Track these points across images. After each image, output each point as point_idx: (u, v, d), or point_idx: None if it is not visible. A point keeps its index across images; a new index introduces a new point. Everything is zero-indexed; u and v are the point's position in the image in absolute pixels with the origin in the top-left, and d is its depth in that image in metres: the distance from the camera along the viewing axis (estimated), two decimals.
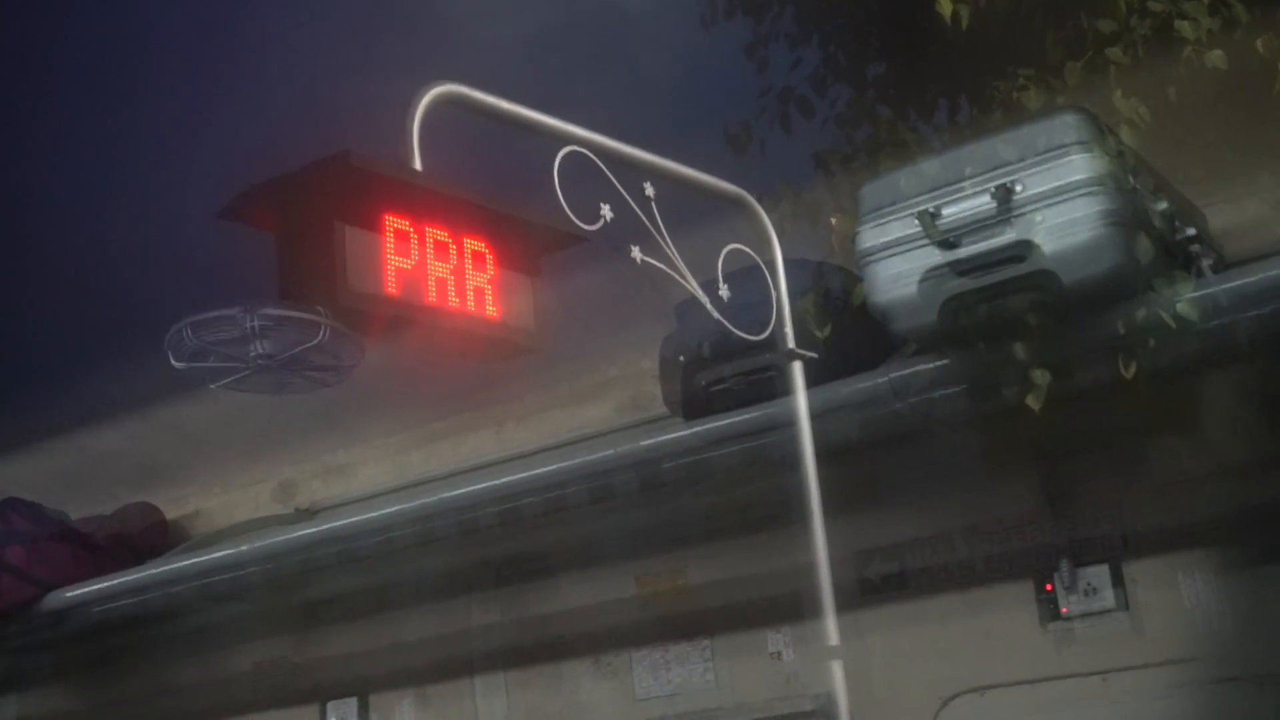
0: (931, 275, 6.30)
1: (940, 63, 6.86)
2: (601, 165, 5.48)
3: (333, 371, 7.88)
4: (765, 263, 6.20)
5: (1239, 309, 6.11)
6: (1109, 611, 7.06)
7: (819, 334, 6.53)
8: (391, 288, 4.91)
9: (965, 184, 6.17)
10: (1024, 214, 6.07)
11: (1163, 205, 6.26)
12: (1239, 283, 6.17)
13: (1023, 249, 6.08)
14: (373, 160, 4.80)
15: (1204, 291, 6.14)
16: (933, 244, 6.26)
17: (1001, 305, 6.17)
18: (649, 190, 5.64)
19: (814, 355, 6.26)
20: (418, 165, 4.90)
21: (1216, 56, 6.18)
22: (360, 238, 4.81)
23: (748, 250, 6.15)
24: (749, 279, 6.20)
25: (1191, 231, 6.36)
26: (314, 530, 9.28)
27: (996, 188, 6.09)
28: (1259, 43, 6.09)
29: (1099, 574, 7.12)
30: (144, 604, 9.80)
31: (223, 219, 4.84)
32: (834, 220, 6.79)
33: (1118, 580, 7.06)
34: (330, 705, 10.03)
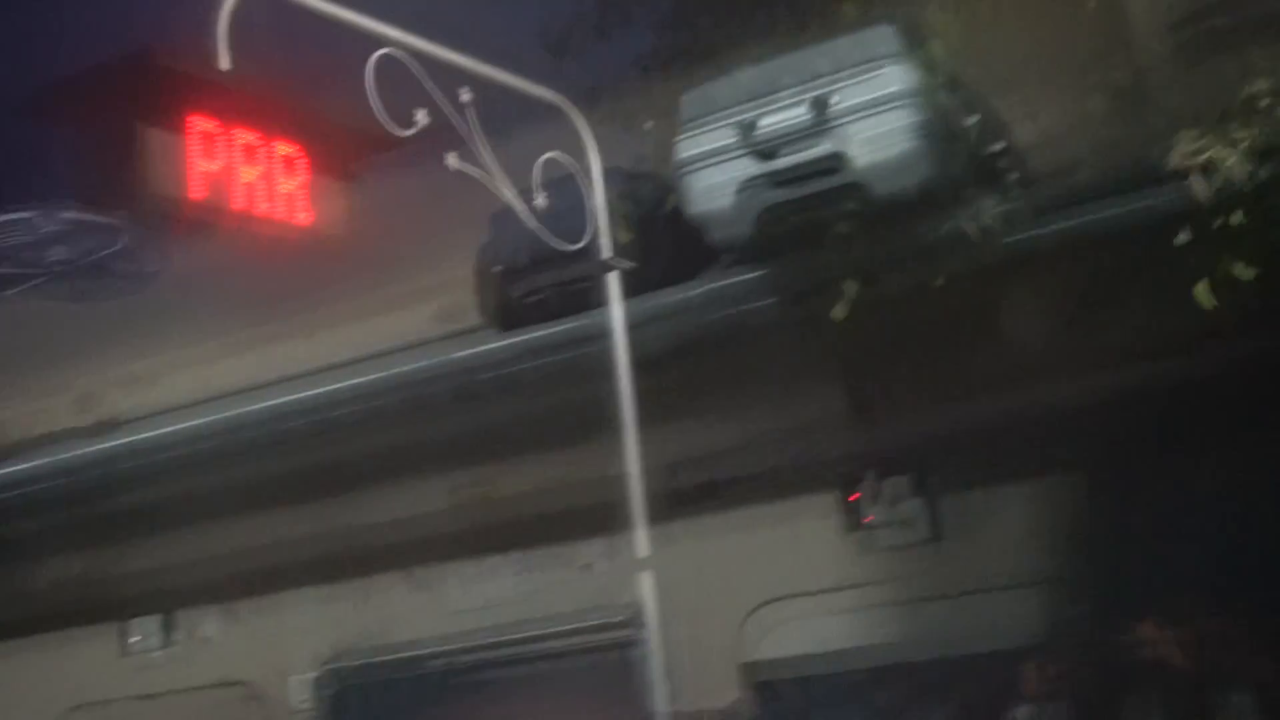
0: (748, 186, 6.35)
1: None
2: (416, 69, 5.37)
3: (134, 279, 7.63)
4: (582, 170, 6.16)
5: (1042, 222, 6.27)
6: (911, 521, 7.25)
7: (624, 239, 6.51)
8: (196, 191, 4.76)
9: (782, 95, 6.21)
10: (839, 126, 6.15)
11: (974, 119, 6.38)
12: (1043, 196, 6.33)
13: (836, 161, 6.16)
14: (177, 58, 4.62)
15: (1009, 206, 6.28)
16: (749, 154, 6.30)
17: (815, 216, 6.24)
18: (465, 96, 5.55)
19: (631, 264, 6.27)
20: (225, 64, 4.73)
21: None
22: (163, 139, 4.66)
23: (565, 158, 6.11)
24: (566, 187, 6.16)
25: (1000, 146, 6.50)
26: (113, 444, 9.03)
27: (813, 99, 6.15)
28: None
29: (901, 484, 7.30)
30: None
31: (19, 115, 4.63)
32: (650, 124, 6.77)
33: (921, 489, 7.25)
34: (133, 623, 9.81)
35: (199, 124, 4.81)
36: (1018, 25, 6.65)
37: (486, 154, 5.58)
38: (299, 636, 9.12)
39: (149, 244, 7.14)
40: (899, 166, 6.09)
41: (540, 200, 5.89)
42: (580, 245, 6.11)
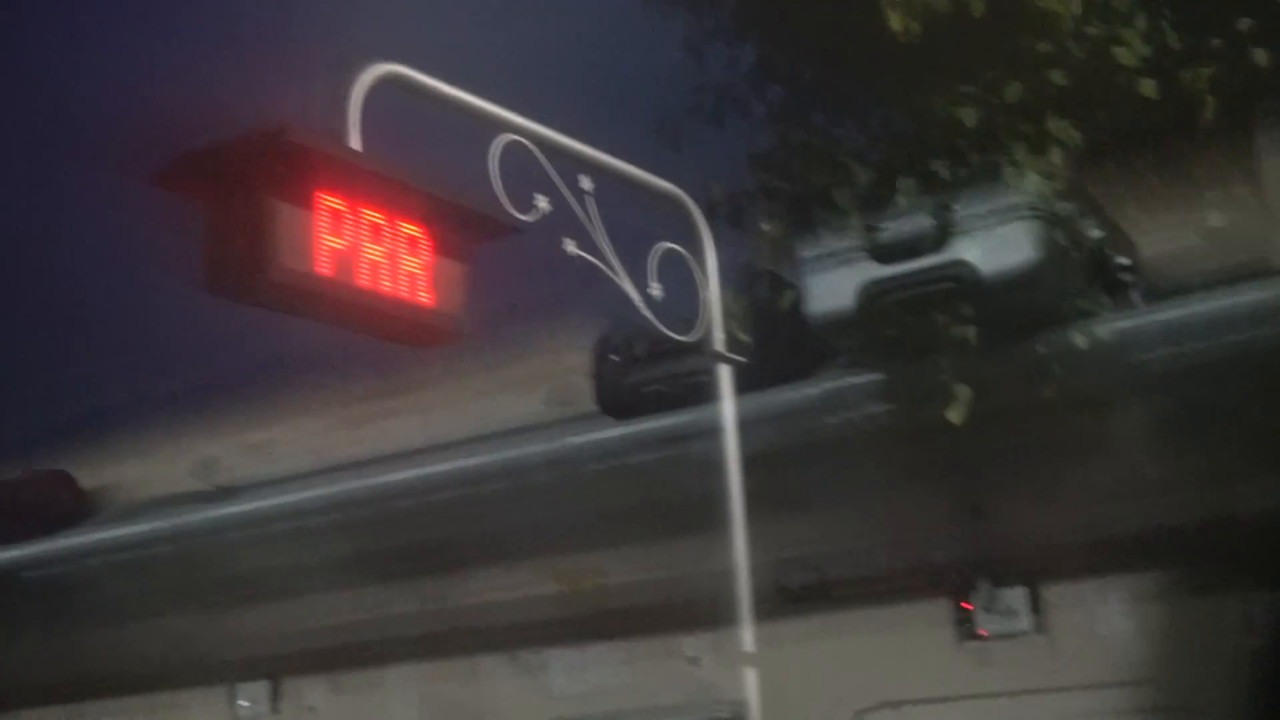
0: (868, 289, 6.33)
1: (877, 72, 6.85)
2: (540, 156, 5.41)
3: None
4: (697, 262, 6.15)
5: (1166, 341, 6.17)
6: (1025, 634, 7.08)
7: (743, 337, 6.51)
8: (324, 267, 4.81)
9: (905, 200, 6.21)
10: (961, 233, 6.12)
11: (1097, 232, 6.31)
12: (1167, 316, 6.23)
13: (958, 268, 6.14)
14: (310, 135, 4.70)
15: (1133, 322, 6.19)
16: (871, 258, 6.31)
17: (934, 322, 6.20)
18: (586, 184, 5.58)
19: (742, 359, 6.23)
20: (356, 144, 4.81)
21: (1148, 86, 6.22)
22: (293, 214, 4.71)
23: (681, 249, 6.10)
24: (681, 278, 6.16)
25: (1125, 260, 6.42)
26: (232, 510, 9.16)
27: (936, 205, 6.13)
28: (1186, 75, 6.13)
29: (1017, 595, 7.14)
30: (50, 574, 9.64)
31: (152, 185, 4.73)
32: (763, 227, 6.76)
33: (1035, 602, 7.08)
34: (240, 688, 9.90)
35: (328, 201, 4.87)
36: (1141, 137, 6.59)
37: (604, 242, 5.59)
38: (402, 712, 9.13)
39: None
40: (1020, 276, 6.05)
41: (655, 290, 5.88)
42: (693, 337, 6.08)
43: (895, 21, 6.18)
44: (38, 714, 10.56)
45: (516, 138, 5.34)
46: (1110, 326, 6.22)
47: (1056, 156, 6.13)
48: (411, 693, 9.13)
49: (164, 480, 10.50)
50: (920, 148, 6.40)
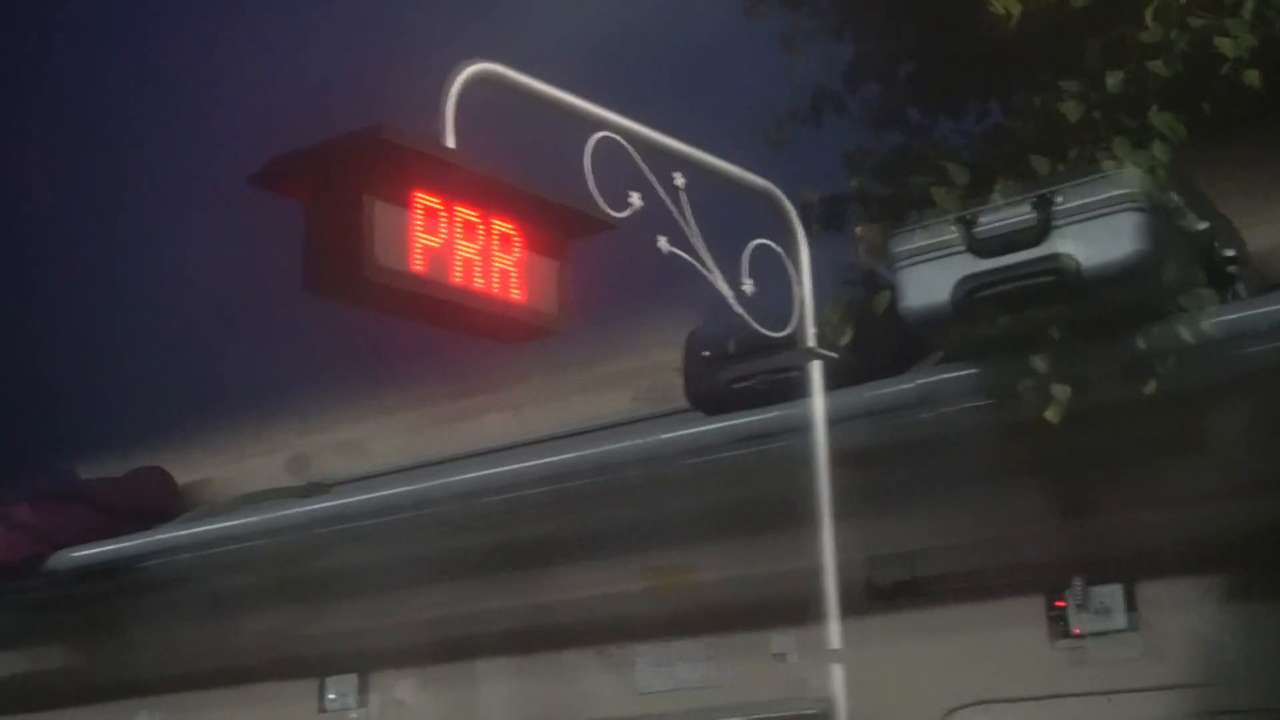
0: (966, 283, 6.28)
1: (974, 66, 6.79)
2: (633, 152, 5.43)
3: None
4: (791, 259, 6.13)
5: (1273, 335, 6.05)
6: (1120, 632, 6.99)
7: (841, 340, 6.49)
8: (419, 265, 4.86)
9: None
10: (1062, 226, 6.05)
11: (1202, 224, 6.21)
12: (1274, 308, 6.11)
13: (1059, 261, 6.06)
14: (406, 134, 4.75)
15: (1239, 314, 6.09)
16: (968, 252, 6.24)
17: (1033, 316, 6.13)
18: (679, 180, 5.58)
19: (834, 355, 6.20)
20: (451, 143, 4.85)
21: (1252, 75, 6.10)
22: (389, 213, 4.77)
23: (774, 246, 6.09)
24: (775, 276, 6.15)
25: (1231, 252, 6.31)
26: (323, 506, 9.25)
27: (1036, 198, 6.07)
28: None
29: (1112, 593, 7.05)
30: (149, 568, 9.79)
31: (253, 185, 4.80)
32: (859, 230, 6.72)
33: (1131, 601, 6.99)
34: (329, 680, 10.00)
35: (423, 199, 4.91)
36: (1245, 128, 6.47)
37: (697, 239, 5.59)
38: (490, 706, 9.18)
39: None
40: (1124, 269, 5.96)
41: (748, 287, 5.88)
42: (785, 334, 6.07)
43: (997, 6, 6.12)
44: (133, 705, 10.72)
45: (610, 134, 5.35)
46: (1216, 320, 6.10)
47: (1159, 150, 6.04)
48: (498, 686, 9.17)
49: (258, 477, 10.64)
50: (1020, 144, 6.33)
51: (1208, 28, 6.12)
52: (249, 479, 10.68)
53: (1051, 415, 6.18)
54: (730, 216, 6.06)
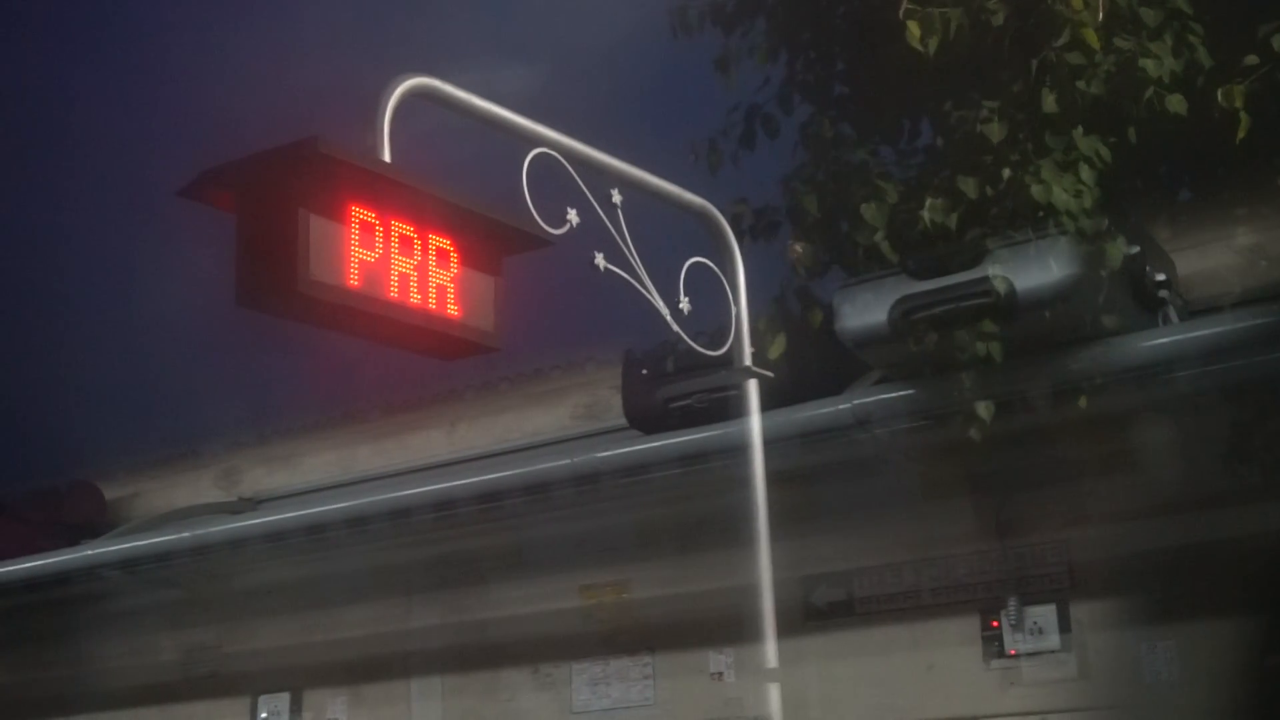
0: (900, 304, 6.31)
1: (905, 87, 6.82)
2: (570, 169, 5.40)
3: None
4: (727, 277, 6.12)
5: (1204, 359, 6.12)
6: (1054, 652, 7.02)
7: (771, 355, 6.49)
8: (354, 280, 4.80)
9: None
10: (994, 250, 6.12)
11: (1132, 249, 6.27)
12: (1204, 333, 6.18)
13: (991, 284, 6.12)
14: (341, 148, 4.68)
15: (1169, 339, 6.16)
16: (904, 274, 6.29)
17: (965, 336, 6.17)
18: (616, 197, 5.56)
19: (769, 375, 6.19)
20: (386, 157, 4.80)
21: (1176, 101, 6.17)
22: (324, 227, 4.70)
23: (710, 264, 6.08)
24: (711, 294, 6.13)
25: (1161, 277, 6.38)
26: (253, 522, 9.15)
27: (967, 222, 6.13)
28: (1219, 92, 6.07)
29: (1046, 614, 7.08)
30: (75, 584, 9.64)
31: (183, 197, 4.72)
32: (797, 248, 6.73)
33: (1065, 621, 7.02)
34: (261, 699, 9.89)
35: (359, 214, 4.85)
36: (1170, 154, 6.54)
37: (633, 256, 5.57)
38: None
39: None
40: (1054, 292, 6.02)
41: (684, 305, 5.86)
42: (721, 352, 6.05)
43: (913, 37, 6.16)
44: None
45: (547, 150, 5.32)
46: (1145, 344, 6.17)
47: (1085, 174, 6.09)
48: (433, 705, 9.09)
49: (187, 492, 10.52)
50: (950, 165, 6.38)
51: (1132, 50, 6.19)
52: (178, 494, 10.56)
53: (975, 433, 6.24)
54: (667, 235, 6.05)
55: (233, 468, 10.26)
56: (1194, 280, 6.85)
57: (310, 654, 9.43)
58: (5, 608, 10.11)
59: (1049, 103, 6.16)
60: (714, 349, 6.05)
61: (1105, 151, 6.19)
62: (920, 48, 6.15)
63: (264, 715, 9.88)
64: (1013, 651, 7.09)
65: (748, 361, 6.09)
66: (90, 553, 9.71)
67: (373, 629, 9.05)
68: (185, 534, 9.23)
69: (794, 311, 6.88)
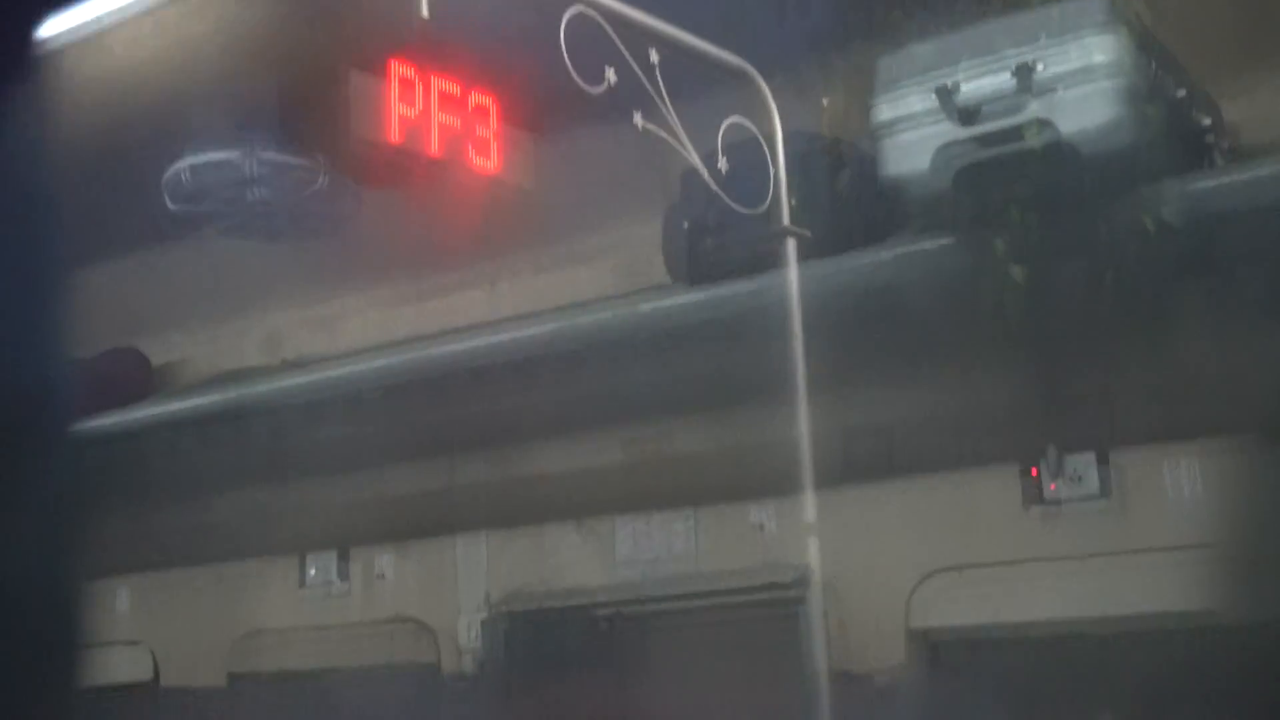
0: (947, 149, 6.27)
1: None
2: (608, 28, 5.37)
3: (330, 220, 7.76)
4: (765, 136, 6.10)
5: (1248, 202, 6.07)
6: (1093, 498, 7.08)
7: (792, 204, 6.48)
8: (395, 136, 4.83)
9: (986, 60, 6.10)
10: (1044, 92, 6.05)
11: (1180, 93, 6.20)
12: (1248, 175, 6.13)
13: (1040, 126, 6.05)
14: (381, 4, 4.69)
15: (1214, 182, 6.10)
16: (949, 119, 6.23)
17: (1014, 182, 6.14)
18: (654, 57, 5.54)
19: (807, 234, 6.20)
20: (425, 12, 4.80)
21: None
22: (366, 83, 4.73)
23: (748, 123, 6.06)
24: (749, 151, 6.11)
25: (1207, 121, 6.31)
26: (299, 382, 9.23)
27: (1017, 65, 6.04)
28: None
29: (1085, 460, 7.13)
30: (123, 448, 9.76)
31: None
32: (824, 101, 6.69)
33: (1103, 467, 7.07)
34: (310, 556, 10.05)
35: (400, 70, 4.87)
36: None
37: (672, 116, 5.57)
38: (470, 578, 9.26)
39: (345, 187, 7.25)
40: (1104, 134, 5.96)
41: (722, 164, 5.86)
42: (760, 210, 6.06)
43: None
44: (113, 585, 10.74)
45: (585, 9, 5.29)
46: (1190, 187, 6.11)
47: (1144, 17, 6.01)
48: (480, 560, 9.24)
49: (231, 355, 10.59)
50: None
51: None
52: (223, 358, 10.63)
53: (1018, 278, 6.23)
54: (706, 95, 6.01)
55: (277, 332, 10.30)
56: (1241, 125, 6.75)
57: (358, 513, 9.55)
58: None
59: None
60: (753, 207, 6.06)
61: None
62: None
63: (312, 572, 10.06)
64: (1053, 492, 7.15)
65: (786, 221, 6.11)
66: (140, 414, 9.80)
67: (420, 486, 9.17)
68: (232, 394, 9.31)
69: (832, 166, 6.85)
